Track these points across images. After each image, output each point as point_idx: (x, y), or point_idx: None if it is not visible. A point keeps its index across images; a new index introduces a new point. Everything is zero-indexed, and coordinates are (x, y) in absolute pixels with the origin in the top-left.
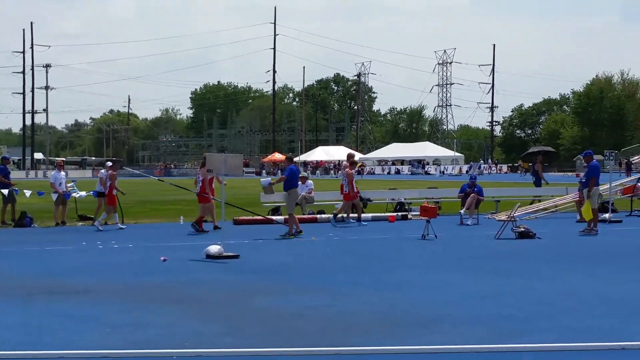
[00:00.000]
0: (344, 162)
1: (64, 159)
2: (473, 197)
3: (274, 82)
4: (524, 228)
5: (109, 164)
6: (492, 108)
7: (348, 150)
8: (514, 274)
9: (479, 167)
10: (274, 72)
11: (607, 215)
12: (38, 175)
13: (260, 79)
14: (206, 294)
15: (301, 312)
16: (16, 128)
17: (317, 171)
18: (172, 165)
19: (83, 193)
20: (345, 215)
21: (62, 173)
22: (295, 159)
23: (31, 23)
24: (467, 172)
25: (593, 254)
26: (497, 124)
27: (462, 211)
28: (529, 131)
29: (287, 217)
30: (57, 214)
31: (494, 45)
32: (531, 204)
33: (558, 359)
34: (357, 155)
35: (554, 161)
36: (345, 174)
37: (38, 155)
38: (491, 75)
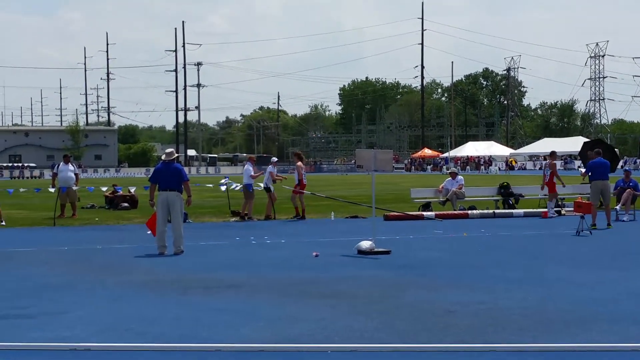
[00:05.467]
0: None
1: (254, 156)
2: (629, 193)
3: (422, 78)
4: None
5: (274, 159)
6: None
7: (499, 145)
8: None
9: (635, 162)
10: (422, 67)
11: None
12: (191, 172)
13: (408, 74)
14: (357, 289)
15: (453, 308)
16: (169, 125)
17: (467, 167)
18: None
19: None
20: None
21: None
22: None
23: (182, 22)
24: (621, 167)
25: None
26: None
27: (617, 207)
28: None
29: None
30: (245, 207)
31: None
32: None
33: None
34: (508, 151)
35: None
36: (548, 165)
37: (191, 152)
38: None
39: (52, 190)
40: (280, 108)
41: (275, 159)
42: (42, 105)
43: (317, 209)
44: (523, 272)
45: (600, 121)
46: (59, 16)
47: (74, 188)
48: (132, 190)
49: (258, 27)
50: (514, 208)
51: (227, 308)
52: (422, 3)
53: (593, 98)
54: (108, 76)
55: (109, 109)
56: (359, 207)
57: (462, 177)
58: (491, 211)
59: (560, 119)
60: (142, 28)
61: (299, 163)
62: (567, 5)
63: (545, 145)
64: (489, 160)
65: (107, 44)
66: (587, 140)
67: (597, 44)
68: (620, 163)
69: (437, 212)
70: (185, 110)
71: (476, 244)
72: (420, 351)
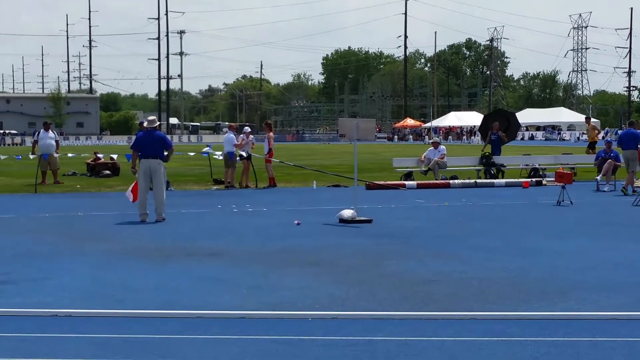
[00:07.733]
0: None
1: (235, 124)
2: (610, 163)
3: (405, 48)
4: None
5: (247, 129)
6: (629, 73)
7: (480, 115)
8: None
9: (616, 133)
10: (405, 37)
11: None
12: (174, 140)
13: (391, 44)
14: (339, 257)
15: (433, 277)
16: (152, 94)
17: (449, 137)
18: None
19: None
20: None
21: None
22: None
23: None
24: (603, 138)
25: None
26: (634, 89)
27: (598, 177)
28: None
29: None
30: (227, 175)
31: (632, 8)
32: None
33: None
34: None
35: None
36: None
37: (173, 120)
38: (628, 39)
39: (32, 157)
40: (263, 77)
41: (248, 129)
42: (23, 73)
43: (299, 178)
44: (503, 241)
45: (582, 92)
46: None
47: (55, 155)
48: (115, 157)
49: None
50: (496, 178)
51: (209, 276)
52: None
53: (575, 69)
54: (90, 44)
55: (91, 76)
56: (341, 176)
57: (444, 147)
58: (473, 181)
59: (542, 89)
60: None
61: (270, 133)
62: None
63: (527, 116)
64: (470, 131)
65: (90, 12)
66: (489, 113)
67: (580, 15)
68: (602, 134)
69: (418, 182)
70: (168, 78)
71: (457, 214)
72: (401, 319)
